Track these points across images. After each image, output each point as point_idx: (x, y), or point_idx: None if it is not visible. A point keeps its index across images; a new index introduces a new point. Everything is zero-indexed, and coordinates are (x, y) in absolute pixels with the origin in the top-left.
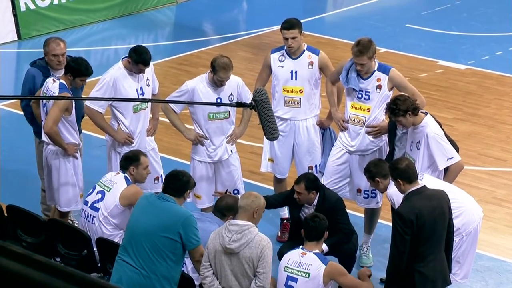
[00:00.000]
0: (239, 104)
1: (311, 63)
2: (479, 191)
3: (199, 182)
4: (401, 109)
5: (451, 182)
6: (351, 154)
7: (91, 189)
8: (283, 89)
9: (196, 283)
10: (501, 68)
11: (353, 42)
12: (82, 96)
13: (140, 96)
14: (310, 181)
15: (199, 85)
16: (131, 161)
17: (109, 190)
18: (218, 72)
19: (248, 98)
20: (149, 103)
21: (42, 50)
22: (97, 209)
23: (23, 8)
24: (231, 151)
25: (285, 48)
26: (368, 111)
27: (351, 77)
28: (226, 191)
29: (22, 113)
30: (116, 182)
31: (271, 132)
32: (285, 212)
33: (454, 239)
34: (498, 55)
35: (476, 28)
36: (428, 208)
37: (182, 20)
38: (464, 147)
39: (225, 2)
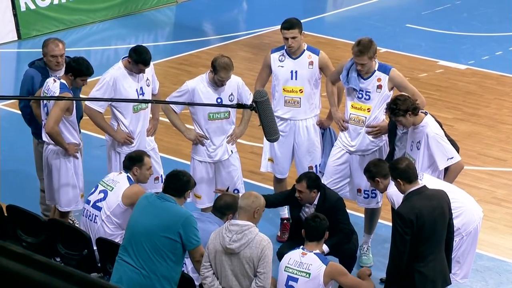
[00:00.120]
0: (239, 106)
1: (311, 63)
2: (479, 191)
3: (199, 182)
4: (401, 109)
5: (451, 182)
6: (351, 154)
7: (94, 188)
8: (283, 89)
9: (196, 283)
10: (501, 68)
11: (353, 42)
12: (81, 95)
13: (140, 96)
14: (311, 180)
15: (199, 85)
16: (135, 162)
17: (112, 189)
18: (219, 72)
19: (248, 98)
20: (149, 103)
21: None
22: (99, 208)
23: (23, 8)
24: (231, 151)
25: (285, 48)
26: (368, 111)
27: (352, 77)
28: (228, 188)
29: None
30: (119, 182)
31: (271, 134)
32: (285, 212)
33: (454, 239)
34: (498, 55)
35: (476, 28)
36: (428, 208)
37: (182, 20)
38: (464, 147)
39: (225, 2)
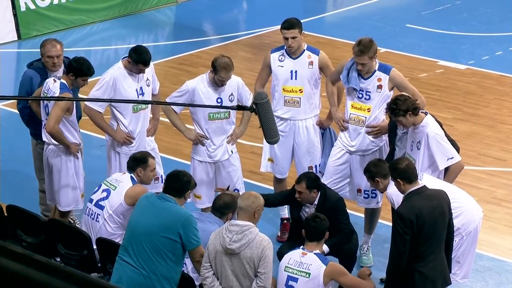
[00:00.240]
0: (240, 107)
1: (311, 63)
2: (479, 191)
3: (199, 182)
4: (402, 109)
5: (451, 182)
6: (351, 154)
7: (97, 187)
8: (283, 89)
9: (196, 283)
10: (501, 68)
11: (353, 42)
12: (80, 95)
13: (140, 96)
14: (311, 180)
15: (199, 85)
16: (139, 163)
17: (115, 188)
18: (219, 72)
19: (248, 98)
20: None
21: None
22: (102, 207)
23: (23, 8)
24: (232, 151)
25: (285, 47)
26: (369, 111)
27: (352, 76)
28: (228, 187)
29: None
30: (122, 181)
31: (271, 136)
32: (285, 212)
33: (454, 239)
34: (498, 55)
35: (476, 28)
36: (428, 208)
37: (182, 20)
38: (464, 147)
39: (225, 2)
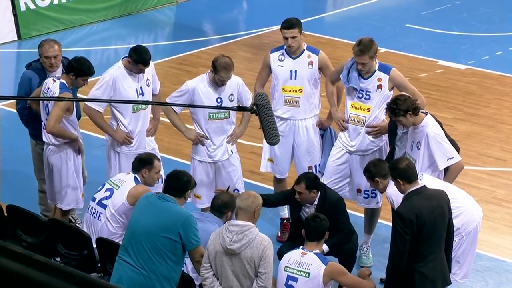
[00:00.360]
0: (240, 108)
1: (310, 63)
2: (479, 191)
3: (199, 182)
4: (402, 109)
5: (451, 182)
6: (351, 154)
7: (100, 187)
8: (283, 89)
9: (196, 283)
10: (501, 68)
11: (353, 42)
12: (79, 94)
13: (140, 96)
14: (310, 180)
15: (199, 85)
16: (145, 164)
17: (118, 188)
18: (220, 72)
19: (248, 98)
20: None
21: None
22: (104, 206)
23: (23, 8)
24: (232, 151)
25: (284, 47)
26: (368, 111)
27: (352, 76)
28: (228, 188)
29: None
30: (126, 181)
31: (271, 137)
32: (285, 212)
33: (454, 239)
34: (498, 55)
35: (476, 28)
36: (428, 208)
37: (182, 20)
38: (464, 147)
39: (225, 2)
